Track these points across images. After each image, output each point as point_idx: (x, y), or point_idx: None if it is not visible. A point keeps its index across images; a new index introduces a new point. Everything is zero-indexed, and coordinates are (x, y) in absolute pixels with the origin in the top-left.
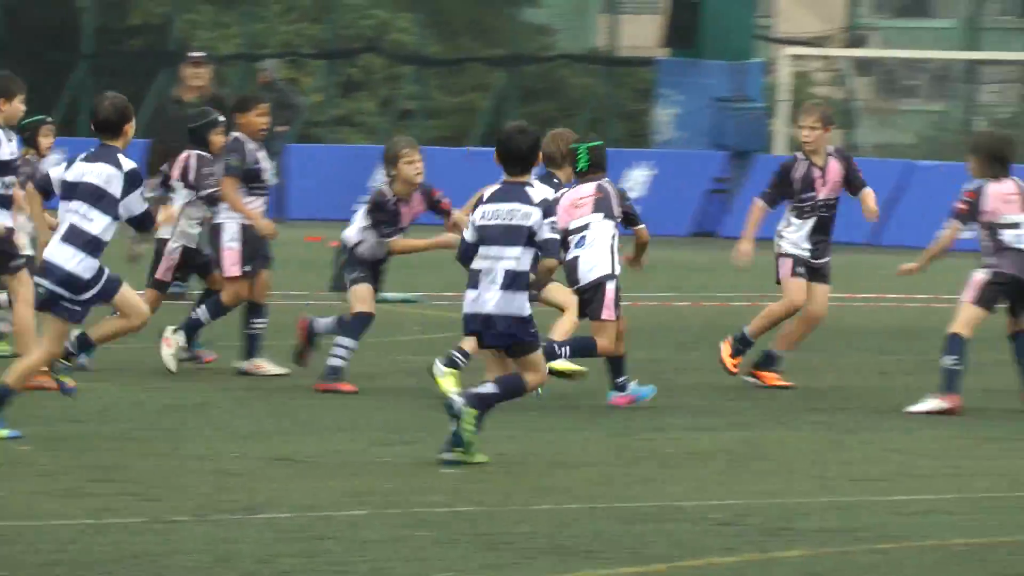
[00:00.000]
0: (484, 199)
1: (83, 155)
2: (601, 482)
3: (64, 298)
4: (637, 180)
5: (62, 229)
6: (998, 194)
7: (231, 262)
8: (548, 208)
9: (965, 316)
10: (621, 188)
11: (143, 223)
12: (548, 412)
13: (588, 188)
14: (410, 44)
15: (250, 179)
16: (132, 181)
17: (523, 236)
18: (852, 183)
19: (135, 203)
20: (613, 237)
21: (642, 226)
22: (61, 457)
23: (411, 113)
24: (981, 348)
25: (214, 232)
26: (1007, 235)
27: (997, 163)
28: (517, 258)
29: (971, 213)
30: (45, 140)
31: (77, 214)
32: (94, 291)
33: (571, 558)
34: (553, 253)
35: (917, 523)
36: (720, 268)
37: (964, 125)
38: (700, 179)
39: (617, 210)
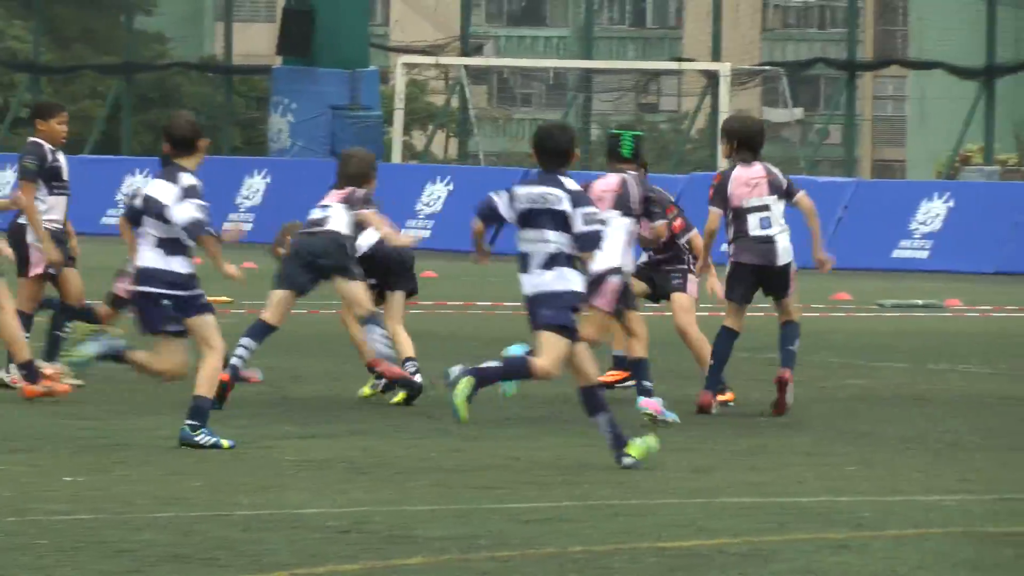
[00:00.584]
0: (519, 184)
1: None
2: (221, 490)
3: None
4: (253, 188)
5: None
6: (742, 178)
7: (36, 261)
8: (579, 198)
9: (727, 311)
10: (648, 184)
11: None
12: (163, 420)
13: (612, 181)
14: (24, 52)
15: (51, 178)
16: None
17: (558, 220)
18: None
19: None
20: (629, 233)
21: (662, 222)
22: None
23: (24, 121)
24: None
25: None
26: (750, 220)
27: (745, 148)
28: (555, 241)
29: (719, 197)
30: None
31: None
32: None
33: (192, 566)
34: (589, 247)
35: (536, 531)
36: None
37: (579, 133)
38: (317, 188)
39: (637, 206)
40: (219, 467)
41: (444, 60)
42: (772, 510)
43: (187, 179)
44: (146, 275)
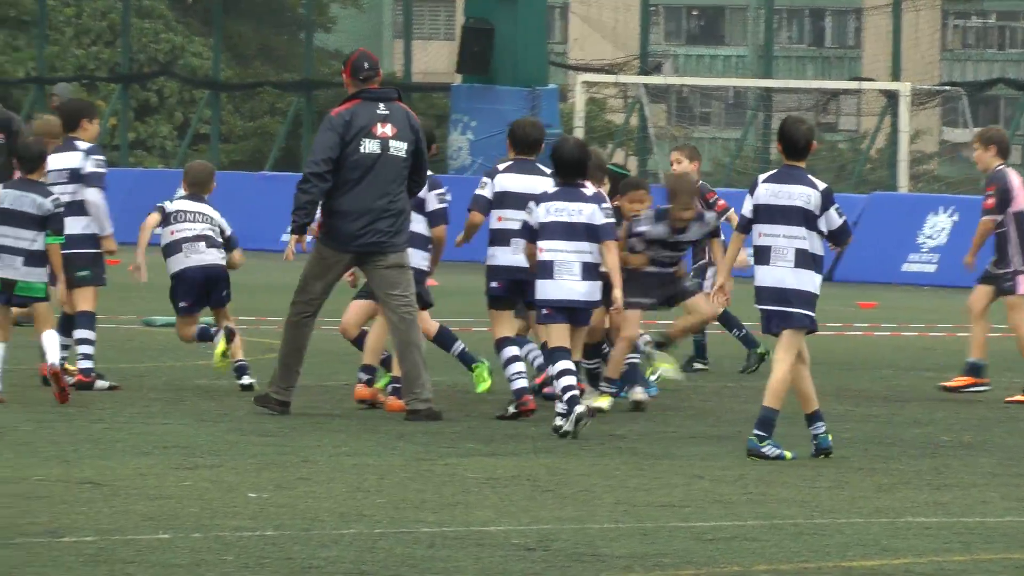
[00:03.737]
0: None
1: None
2: (405, 507)
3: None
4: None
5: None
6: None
7: None
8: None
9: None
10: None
11: None
12: (348, 436)
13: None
14: (204, 68)
15: None
16: None
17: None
18: None
19: None
20: None
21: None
22: None
23: (206, 137)
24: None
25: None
26: None
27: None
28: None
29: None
30: None
31: None
32: None
33: None
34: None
35: (721, 549)
36: None
37: (759, 152)
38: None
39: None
40: (403, 484)
41: (623, 78)
42: (957, 530)
43: None
44: None
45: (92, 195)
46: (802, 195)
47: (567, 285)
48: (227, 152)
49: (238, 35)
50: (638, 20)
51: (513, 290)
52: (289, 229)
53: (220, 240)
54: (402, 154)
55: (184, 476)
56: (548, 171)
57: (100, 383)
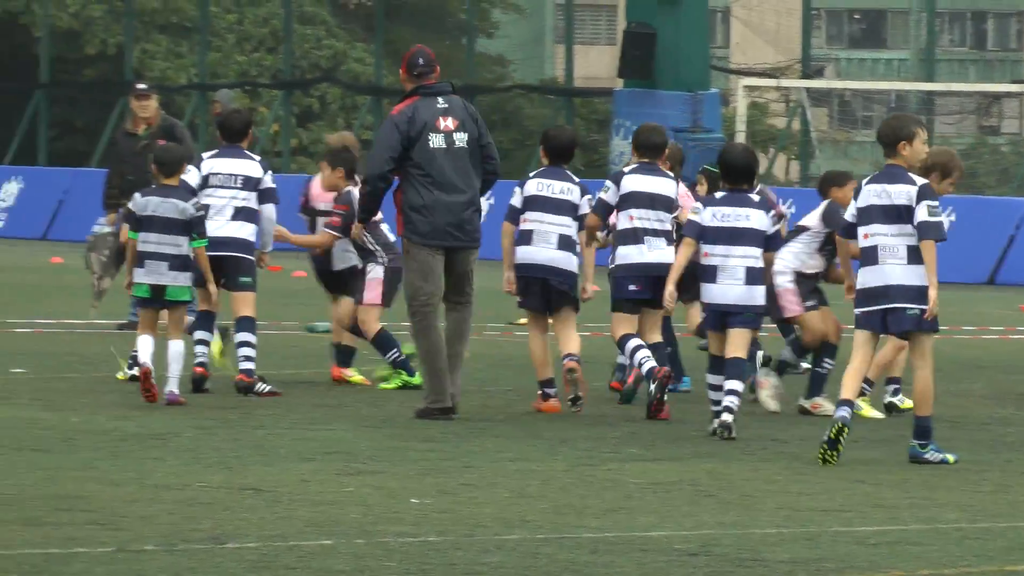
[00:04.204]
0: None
1: None
2: (567, 512)
3: None
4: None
5: None
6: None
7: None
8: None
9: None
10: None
11: None
12: (511, 441)
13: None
14: (366, 74)
15: None
16: None
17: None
18: None
19: None
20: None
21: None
22: (25, 486)
23: (368, 143)
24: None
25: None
26: None
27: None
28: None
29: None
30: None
31: None
32: None
33: None
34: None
35: (883, 553)
36: None
37: None
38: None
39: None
40: (565, 489)
41: (785, 82)
42: None
43: None
44: None
45: (269, 211)
46: (904, 193)
47: (726, 289)
48: None
49: (400, 40)
50: (800, 24)
51: (653, 289)
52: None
53: None
54: (466, 145)
55: (346, 482)
56: (671, 174)
57: (261, 385)
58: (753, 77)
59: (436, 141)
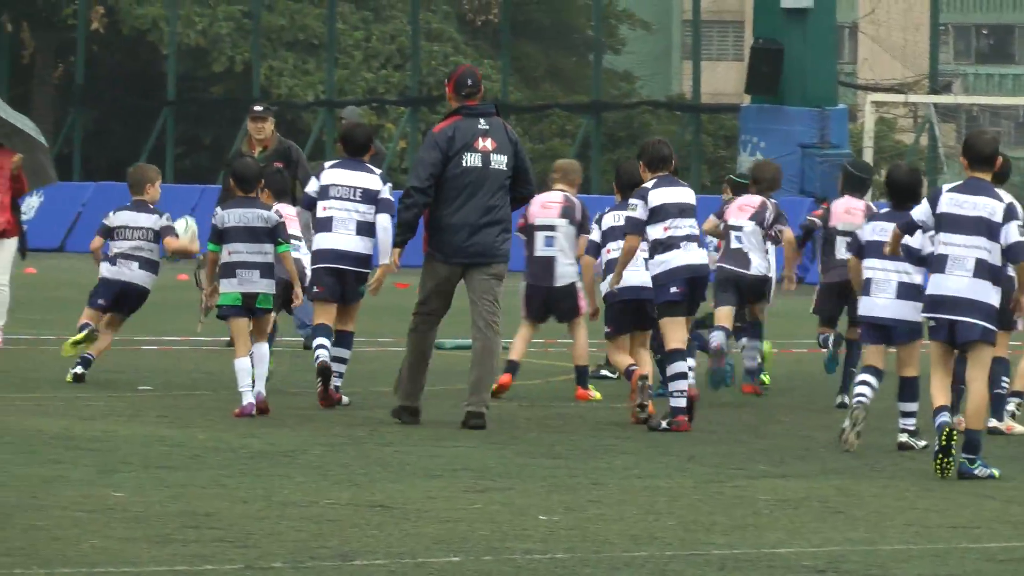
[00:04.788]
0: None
1: None
2: (696, 529)
3: None
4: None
5: None
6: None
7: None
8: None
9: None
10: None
11: None
12: (639, 459)
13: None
14: (493, 91)
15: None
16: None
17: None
18: None
19: None
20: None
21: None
22: (153, 504)
23: None
24: None
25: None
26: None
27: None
28: (908, 272)
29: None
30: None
31: None
32: None
33: None
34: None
35: (1012, 570)
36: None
37: None
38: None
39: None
40: (693, 506)
41: (913, 98)
42: None
43: None
44: None
45: (386, 221)
46: (986, 206)
47: (878, 303)
48: None
49: (527, 57)
50: (927, 39)
51: (692, 291)
52: (393, 243)
53: None
54: (503, 167)
55: (474, 499)
56: (687, 184)
57: (345, 399)
58: (880, 92)
59: (471, 160)
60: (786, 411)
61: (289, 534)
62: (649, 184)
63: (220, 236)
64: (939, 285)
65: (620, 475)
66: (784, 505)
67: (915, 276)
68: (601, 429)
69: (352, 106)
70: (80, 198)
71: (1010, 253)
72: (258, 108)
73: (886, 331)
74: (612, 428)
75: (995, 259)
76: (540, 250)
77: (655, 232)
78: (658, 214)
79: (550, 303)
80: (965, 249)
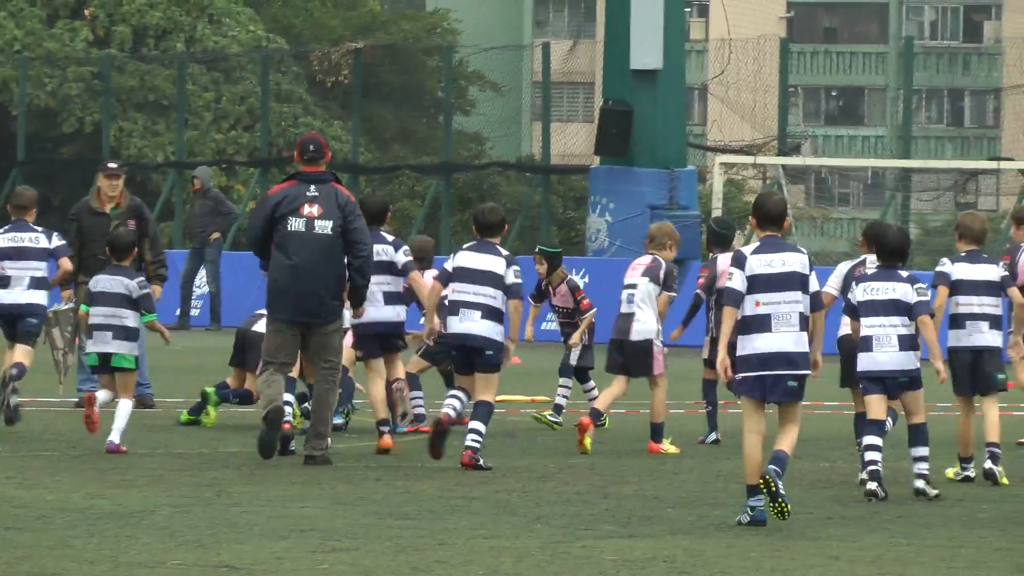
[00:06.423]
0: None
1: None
2: None
3: None
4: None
5: None
6: None
7: None
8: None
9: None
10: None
11: None
12: (485, 519)
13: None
14: (343, 152)
15: None
16: None
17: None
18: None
19: None
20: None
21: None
22: (0, 565)
23: None
24: None
25: None
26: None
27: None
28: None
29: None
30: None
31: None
32: None
33: None
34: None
35: None
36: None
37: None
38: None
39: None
40: (539, 567)
41: (762, 159)
42: None
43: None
44: None
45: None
46: (797, 260)
47: (880, 358)
48: None
49: (377, 118)
50: (776, 101)
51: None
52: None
53: None
54: (327, 232)
55: (321, 559)
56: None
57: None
58: (730, 154)
59: (295, 224)
60: (634, 472)
61: None
62: (748, 249)
63: (91, 299)
64: (767, 343)
65: (466, 535)
66: (630, 565)
67: (911, 327)
68: (449, 489)
69: (204, 167)
70: None
71: (509, 291)
72: (112, 165)
73: (885, 383)
74: (459, 488)
75: (807, 310)
76: (623, 307)
77: (747, 307)
78: (755, 285)
79: (626, 357)
80: (787, 306)
